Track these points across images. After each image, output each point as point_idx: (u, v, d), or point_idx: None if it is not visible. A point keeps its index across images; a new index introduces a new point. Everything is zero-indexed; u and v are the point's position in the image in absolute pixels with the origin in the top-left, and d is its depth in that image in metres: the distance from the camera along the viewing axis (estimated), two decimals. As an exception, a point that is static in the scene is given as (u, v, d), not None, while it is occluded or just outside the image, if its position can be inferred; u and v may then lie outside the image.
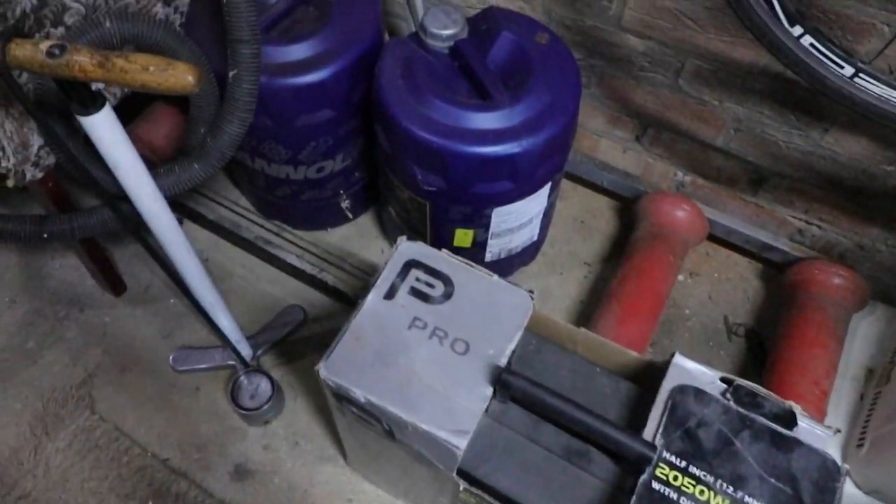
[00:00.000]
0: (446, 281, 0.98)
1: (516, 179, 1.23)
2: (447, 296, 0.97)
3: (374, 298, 0.96)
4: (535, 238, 1.50)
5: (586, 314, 1.54)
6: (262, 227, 1.58)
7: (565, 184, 1.72)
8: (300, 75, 1.24)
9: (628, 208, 1.66)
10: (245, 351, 1.37)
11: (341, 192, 1.55)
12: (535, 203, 1.35)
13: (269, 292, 1.57)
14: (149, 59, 0.74)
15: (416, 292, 0.97)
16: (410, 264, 1.00)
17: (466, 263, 1.01)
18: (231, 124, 1.16)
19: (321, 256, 1.51)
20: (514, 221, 1.35)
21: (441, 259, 1.01)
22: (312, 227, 1.64)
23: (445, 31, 1.28)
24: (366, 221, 1.69)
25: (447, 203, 1.28)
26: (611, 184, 1.66)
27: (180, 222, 1.66)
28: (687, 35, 1.29)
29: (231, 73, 1.13)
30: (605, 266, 1.63)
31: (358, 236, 1.66)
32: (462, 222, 1.33)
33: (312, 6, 1.36)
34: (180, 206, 1.61)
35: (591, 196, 1.73)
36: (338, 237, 1.65)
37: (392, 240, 1.61)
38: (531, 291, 0.97)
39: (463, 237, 1.37)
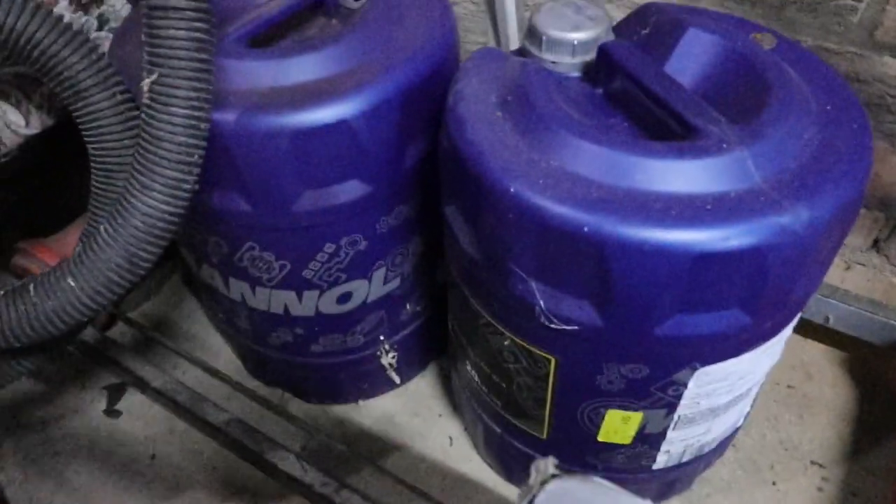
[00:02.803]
0: None
1: (759, 304, 0.56)
2: None
3: None
4: (741, 422, 0.80)
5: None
6: (251, 396, 0.92)
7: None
8: (305, 109, 0.64)
9: (872, 363, 0.96)
10: None
11: (381, 338, 0.89)
12: (770, 355, 0.67)
13: (252, 520, 0.88)
14: None
15: None
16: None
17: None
18: (146, 193, 0.55)
19: (340, 458, 0.82)
20: (726, 392, 0.67)
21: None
22: (333, 400, 0.97)
23: (577, 34, 0.68)
24: (420, 387, 1.02)
25: (596, 358, 0.62)
26: (841, 321, 0.96)
27: (121, 390, 1.02)
28: None
29: (147, 85, 0.53)
30: (850, 469, 0.90)
31: (410, 414, 0.99)
32: (622, 397, 0.65)
33: (335, 17, 0.79)
34: (115, 366, 0.97)
35: (799, 344, 1.03)
36: (375, 416, 0.98)
37: (466, 421, 0.93)
38: None
39: (619, 426, 0.69)
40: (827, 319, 0.96)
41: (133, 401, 1.01)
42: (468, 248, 0.64)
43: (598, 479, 0.34)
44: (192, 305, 1.14)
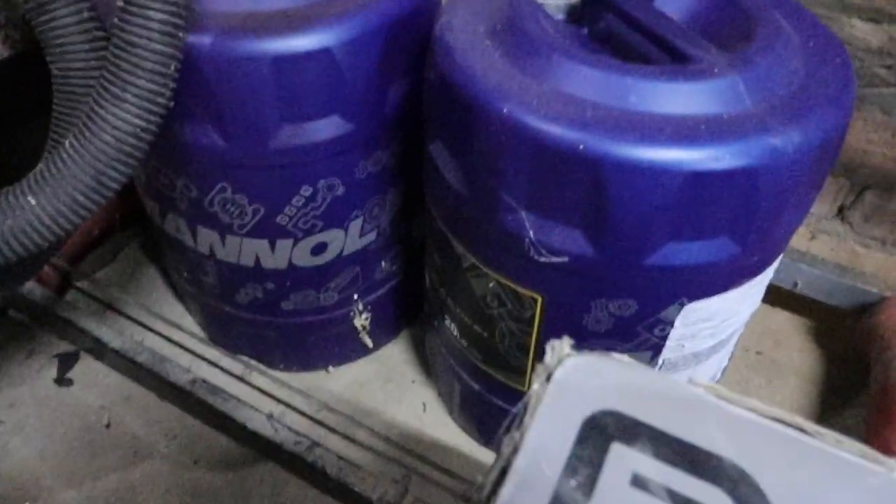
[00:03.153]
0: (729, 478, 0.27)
1: (748, 231, 0.56)
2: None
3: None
4: (719, 375, 0.80)
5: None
6: (214, 364, 0.88)
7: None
8: (287, 34, 0.61)
9: (837, 329, 0.98)
10: None
11: (355, 297, 0.86)
12: (752, 297, 0.67)
13: (211, 483, 0.84)
14: None
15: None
16: (606, 424, 0.30)
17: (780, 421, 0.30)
18: (117, 104, 0.52)
19: (315, 419, 0.79)
20: (710, 336, 0.66)
21: (691, 401, 0.30)
22: (302, 366, 0.94)
23: (561, -25, 0.67)
24: (393, 354, 0.99)
25: (584, 293, 0.60)
26: (809, 286, 0.97)
27: (74, 358, 0.96)
28: None
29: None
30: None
31: (382, 381, 0.96)
32: (608, 338, 0.64)
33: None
34: (71, 330, 0.92)
35: (768, 312, 1.04)
36: (346, 383, 0.95)
37: (441, 385, 0.90)
38: None
39: (604, 371, 0.67)
40: (795, 284, 0.98)
41: (86, 369, 0.96)
42: (455, 183, 0.62)
43: (617, 355, 0.32)
44: (150, 274, 1.09)
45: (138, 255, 1.12)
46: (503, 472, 0.28)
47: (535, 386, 0.31)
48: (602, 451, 0.29)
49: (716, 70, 0.54)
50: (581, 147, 0.50)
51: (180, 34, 0.52)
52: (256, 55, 0.61)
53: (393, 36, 0.66)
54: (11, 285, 0.64)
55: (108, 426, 0.89)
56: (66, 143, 0.53)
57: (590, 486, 0.28)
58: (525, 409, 0.30)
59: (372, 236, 0.81)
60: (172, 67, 0.53)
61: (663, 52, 0.59)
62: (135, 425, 0.89)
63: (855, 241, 1.00)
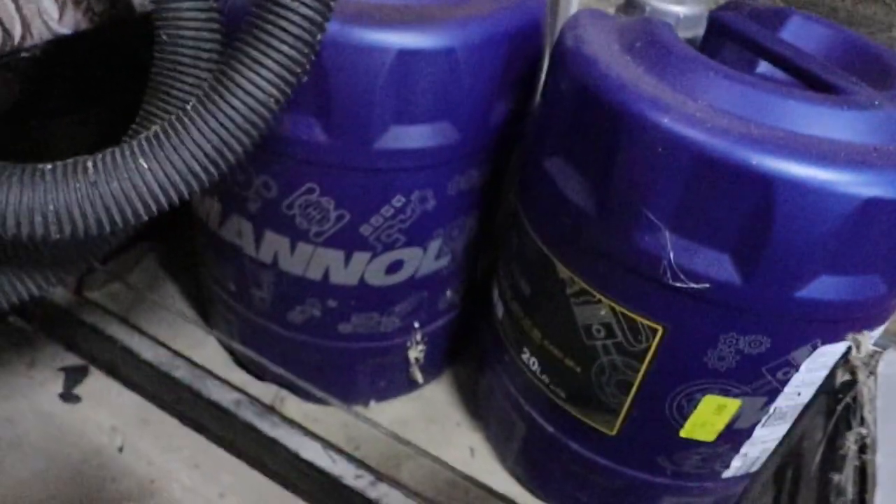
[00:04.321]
0: None
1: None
2: None
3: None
4: (799, 438, 0.76)
5: None
6: (240, 391, 0.79)
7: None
8: (413, 28, 0.58)
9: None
10: None
11: (416, 325, 0.81)
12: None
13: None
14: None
15: None
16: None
17: None
18: (255, 69, 0.47)
19: (361, 462, 0.71)
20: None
21: None
22: (343, 398, 0.86)
23: (681, 8, 0.67)
24: (436, 393, 0.92)
25: (716, 326, 0.56)
26: None
27: (83, 372, 0.87)
28: None
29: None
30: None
31: (425, 421, 0.88)
32: (727, 379, 0.59)
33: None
34: (85, 340, 0.82)
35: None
36: (387, 421, 0.87)
37: (496, 428, 0.84)
38: None
39: (710, 417, 0.63)
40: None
41: (97, 385, 0.86)
42: (579, 200, 0.58)
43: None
44: (169, 290, 1.01)
45: (156, 270, 1.04)
46: (861, 472, 0.23)
47: (862, 378, 0.26)
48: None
49: (875, 102, 0.53)
50: (754, 162, 0.48)
51: (331, 3, 0.48)
52: (380, 46, 0.57)
53: (513, 47, 0.64)
54: (89, 259, 0.56)
55: (120, 450, 0.79)
56: (189, 106, 0.47)
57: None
58: (856, 403, 0.26)
59: (446, 260, 0.76)
60: (318, 37, 0.48)
61: (800, 82, 0.58)
62: (152, 451, 0.80)
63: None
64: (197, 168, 0.47)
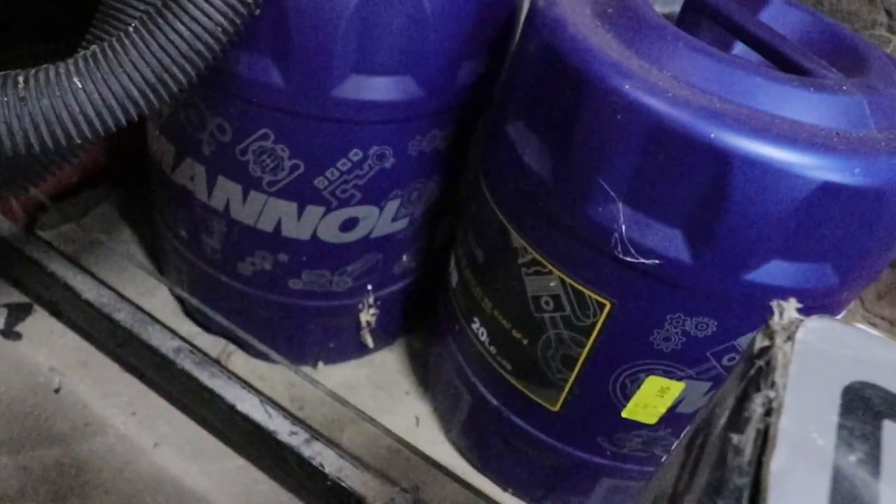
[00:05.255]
0: None
1: (850, 262, 0.53)
2: None
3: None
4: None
5: None
6: (187, 342, 0.77)
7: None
8: (380, -27, 0.56)
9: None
10: None
11: (369, 287, 0.79)
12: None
13: (182, 482, 0.72)
14: None
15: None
16: (870, 397, 0.24)
17: None
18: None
19: (299, 420, 0.69)
20: (766, 378, 0.62)
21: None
22: (291, 357, 0.84)
23: (662, -19, 0.65)
24: (387, 360, 0.91)
25: (664, 305, 0.55)
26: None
27: (26, 310, 0.84)
28: None
29: None
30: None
31: (374, 387, 0.87)
32: (672, 361, 0.59)
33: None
34: (32, 276, 0.80)
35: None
36: (334, 383, 0.86)
37: (443, 398, 0.83)
38: None
39: (653, 399, 0.62)
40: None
41: (39, 324, 0.83)
42: (537, 167, 0.57)
43: (858, 325, 0.27)
44: (124, 236, 0.98)
45: (112, 214, 1.01)
46: (763, 435, 0.22)
47: (779, 342, 0.25)
48: (875, 428, 0.23)
49: (843, 87, 0.51)
50: (712, 136, 0.46)
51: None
52: (343, -12, 0.55)
53: (485, 5, 0.62)
54: (23, 183, 0.54)
55: (57, 391, 0.77)
56: (130, 27, 0.45)
57: (874, 464, 0.22)
58: (769, 367, 0.25)
59: (403, 223, 0.74)
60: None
61: (773, 63, 0.57)
62: (89, 395, 0.78)
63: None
64: (135, 93, 0.45)
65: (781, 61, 0.56)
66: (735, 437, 0.22)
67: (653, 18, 0.55)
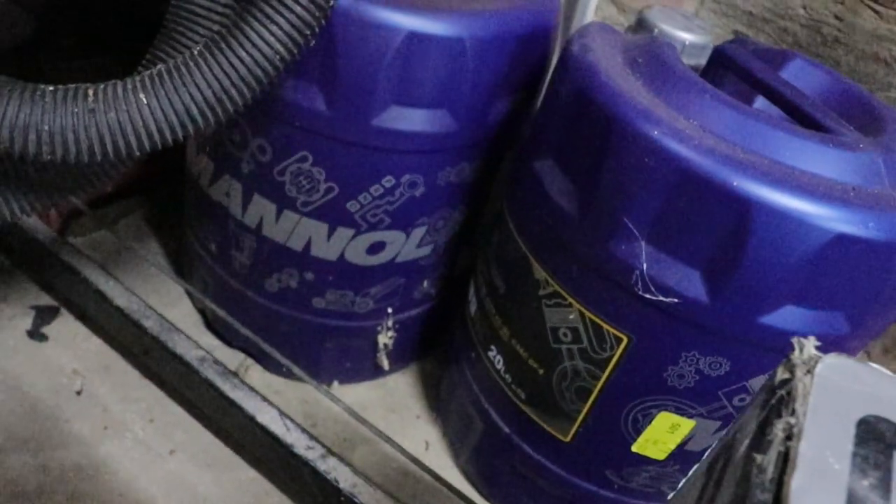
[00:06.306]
0: None
1: (865, 310, 0.55)
2: None
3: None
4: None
5: None
6: (207, 353, 0.79)
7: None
8: (425, 13, 0.59)
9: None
10: None
11: (389, 311, 0.81)
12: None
13: (195, 489, 0.74)
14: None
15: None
16: (882, 431, 0.26)
17: None
18: (265, 24, 0.48)
19: (314, 437, 0.71)
20: (775, 421, 0.63)
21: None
22: (308, 374, 0.86)
23: (688, 35, 0.68)
24: (400, 384, 0.92)
25: (679, 342, 0.57)
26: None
27: (53, 312, 0.87)
28: None
29: None
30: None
31: (385, 409, 0.89)
32: (684, 398, 0.60)
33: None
34: (61, 280, 0.82)
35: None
36: (348, 402, 0.87)
37: (454, 424, 0.84)
38: None
39: (663, 435, 0.64)
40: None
41: (65, 327, 0.86)
42: (563, 202, 0.60)
43: (872, 364, 0.29)
44: (152, 245, 1.01)
45: (141, 225, 1.04)
46: (784, 456, 0.24)
47: (799, 375, 0.27)
48: (887, 457, 0.25)
49: (861, 145, 0.54)
50: (735, 183, 0.49)
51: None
52: (391, 26, 0.58)
53: (521, 48, 0.65)
54: (75, 192, 0.57)
55: (79, 393, 0.79)
56: (196, 50, 0.48)
57: (885, 489, 0.24)
58: (790, 396, 0.27)
59: (427, 249, 0.77)
60: (331, 2, 0.49)
61: (793, 119, 0.60)
62: (110, 399, 0.80)
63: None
64: (195, 111, 0.48)
65: (801, 117, 0.59)
66: (759, 457, 0.24)
67: (681, 70, 0.58)
